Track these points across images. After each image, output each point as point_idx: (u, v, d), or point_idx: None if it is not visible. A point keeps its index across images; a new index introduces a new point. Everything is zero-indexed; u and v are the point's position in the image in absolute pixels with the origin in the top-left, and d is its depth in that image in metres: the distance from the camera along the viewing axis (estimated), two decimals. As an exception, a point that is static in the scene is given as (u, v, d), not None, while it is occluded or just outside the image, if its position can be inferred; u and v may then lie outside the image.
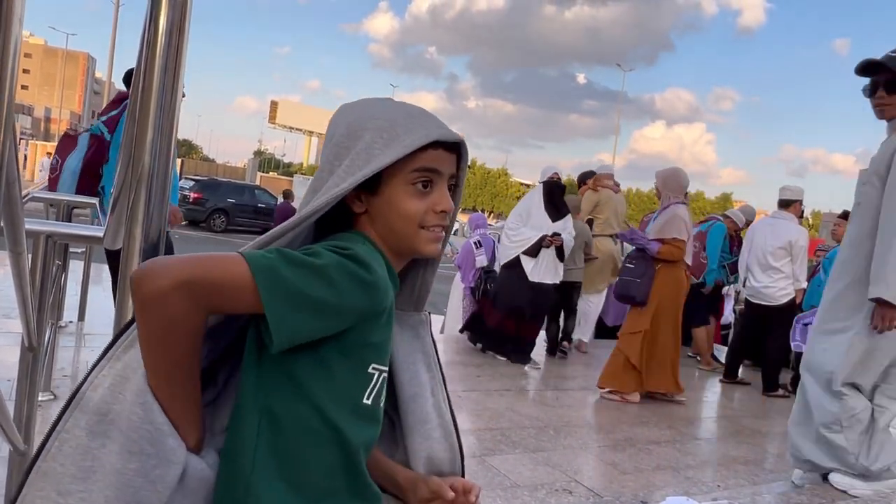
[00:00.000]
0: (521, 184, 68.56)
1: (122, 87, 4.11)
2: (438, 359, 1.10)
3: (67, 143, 3.87)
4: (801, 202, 5.69)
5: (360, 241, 0.95)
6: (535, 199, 5.45)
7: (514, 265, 5.30)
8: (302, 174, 49.81)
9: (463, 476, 1.07)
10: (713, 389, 5.71)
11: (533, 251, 5.23)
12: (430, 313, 1.12)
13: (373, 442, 0.99)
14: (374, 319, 0.90)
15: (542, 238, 5.22)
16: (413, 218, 0.95)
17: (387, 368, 0.97)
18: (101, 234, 1.42)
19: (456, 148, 0.99)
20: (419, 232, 0.97)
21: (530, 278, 5.22)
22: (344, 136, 0.96)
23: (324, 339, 0.87)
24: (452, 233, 1.05)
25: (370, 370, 0.93)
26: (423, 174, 0.95)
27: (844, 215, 5.96)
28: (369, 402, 0.94)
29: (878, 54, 2.70)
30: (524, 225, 5.35)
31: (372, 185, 0.94)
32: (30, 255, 1.48)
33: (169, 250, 3.93)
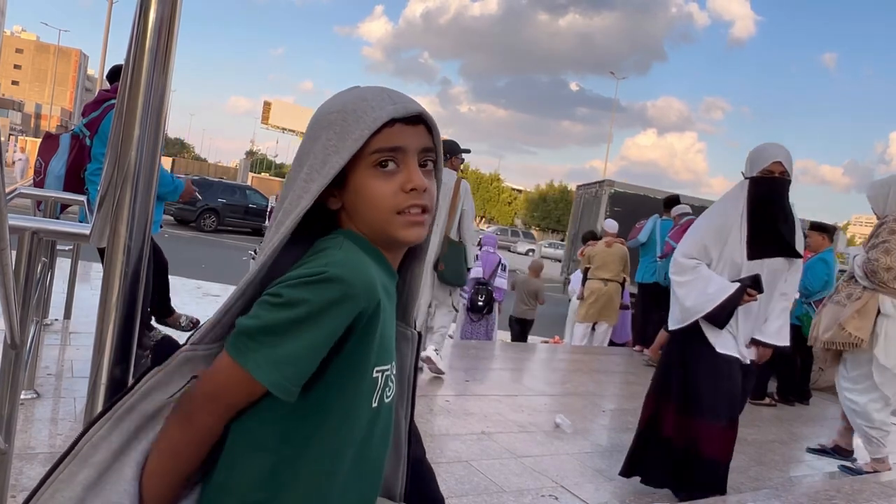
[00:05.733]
0: (513, 189, 68.76)
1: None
2: (415, 377, 1.08)
3: (49, 144, 3.81)
4: None
5: (340, 243, 0.88)
6: (736, 211, 2.86)
7: (690, 328, 2.87)
8: (294, 175, 49.50)
9: (407, 480, 1.09)
10: (700, 397, 5.72)
11: (719, 318, 2.78)
12: (420, 333, 1.08)
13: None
14: (368, 324, 0.85)
15: (740, 292, 2.74)
16: (384, 203, 0.88)
17: (388, 365, 0.93)
18: (87, 232, 1.41)
19: (421, 121, 0.90)
20: (395, 218, 0.88)
21: (717, 349, 2.83)
22: (305, 137, 0.92)
23: (327, 363, 0.85)
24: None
25: (374, 374, 0.89)
26: (384, 155, 0.87)
27: (813, 226, 5.99)
28: (376, 404, 0.91)
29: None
30: (717, 259, 2.85)
31: (338, 179, 0.88)
32: (15, 252, 1.46)
33: (157, 254, 3.88)
